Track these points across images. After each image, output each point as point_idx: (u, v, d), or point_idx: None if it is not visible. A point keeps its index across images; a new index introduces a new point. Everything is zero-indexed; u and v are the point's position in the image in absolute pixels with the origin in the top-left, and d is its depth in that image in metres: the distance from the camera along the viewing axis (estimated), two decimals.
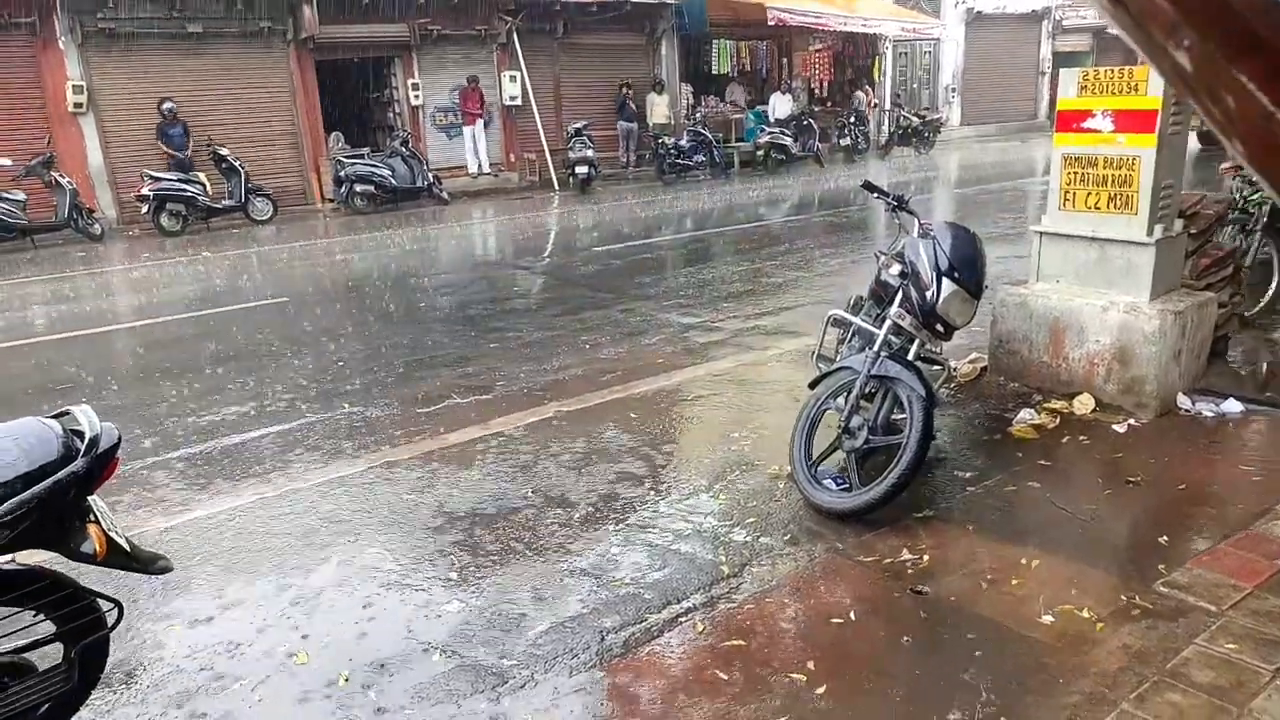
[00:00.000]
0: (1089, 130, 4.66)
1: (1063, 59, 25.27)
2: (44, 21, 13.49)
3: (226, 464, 4.70)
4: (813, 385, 4.18)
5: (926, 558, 3.40)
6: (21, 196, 12.47)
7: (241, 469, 4.62)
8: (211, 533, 3.87)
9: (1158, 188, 4.52)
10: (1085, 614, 2.98)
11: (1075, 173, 4.76)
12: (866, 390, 3.92)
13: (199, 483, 4.48)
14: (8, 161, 12.80)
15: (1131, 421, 4.52)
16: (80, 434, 2.26)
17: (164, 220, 13.37)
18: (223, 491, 4.34)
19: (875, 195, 4.38)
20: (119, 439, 2.34)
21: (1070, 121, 4.74)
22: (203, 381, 6.16)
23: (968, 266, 4.00)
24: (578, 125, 16.88)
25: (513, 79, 17.74)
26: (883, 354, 3.91)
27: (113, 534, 2.35)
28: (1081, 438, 4.42)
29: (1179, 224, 4.80)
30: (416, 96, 17.01)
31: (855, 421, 3.88)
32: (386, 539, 3.77)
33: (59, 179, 12.87)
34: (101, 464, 2.27)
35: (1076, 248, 4.85)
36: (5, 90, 13.50)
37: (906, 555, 3.42)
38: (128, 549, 2.39)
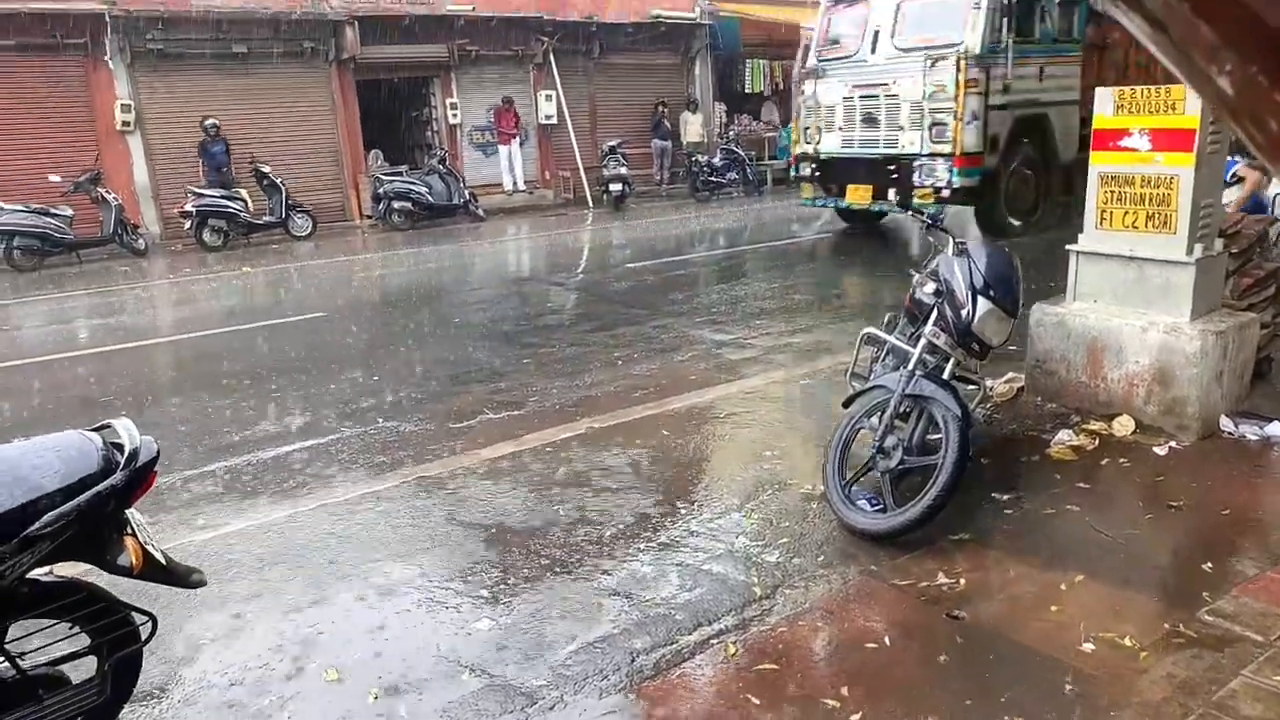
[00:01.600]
0: (1126, 149, 4.60)
1: None
2: (95, 42, 13.88)
3: (262, 478, 4.75)
4: (846, 404, 4.14)
5: (963, 582, 3.34)
6: (69, 212, 12.75)
7: (276, 483, 4.66)
8: (246, 547, 3.91)
9: (1197, 206, 4.45)
10: (1127, 642, 2.91)
11: (1112, 191, 4.70)
12: (901, 410, 3.88)
13: (234, 496, 4.53)
14: (57, 178, 13.15)
15: (1173, 444, 4.42)
16: (120, 447, 2.28)
17: (206, 236, 13.62)
18: (258, 505, 4.38)
19: (908, 213, 4.34)
20: (157, 452, 2.36)
21: (1107, 140, 4.68)
22: (241, 395, 6.25)
23: (1003, 285, 3.95)
24: (612, 143, 16.97)
25: (548, 98, 17.92)
26: (918, 373, 3.86)
27: (149, 547, 2.37)
28: (1121, 460, 4.33)
29: (1219, 243, 4.71)
30: (454, 115, 17.23)
31: (890, 441, 3.83)
32: (417, 555, 3.78)
33: (105, 195, 13.17)
34: (140, 477, 2.29)
35: (1114, 267, 4.78)
36: (57, 108, 13.91)
37: (942, 579, 3.36)
38: (164, 562, 2.41)
